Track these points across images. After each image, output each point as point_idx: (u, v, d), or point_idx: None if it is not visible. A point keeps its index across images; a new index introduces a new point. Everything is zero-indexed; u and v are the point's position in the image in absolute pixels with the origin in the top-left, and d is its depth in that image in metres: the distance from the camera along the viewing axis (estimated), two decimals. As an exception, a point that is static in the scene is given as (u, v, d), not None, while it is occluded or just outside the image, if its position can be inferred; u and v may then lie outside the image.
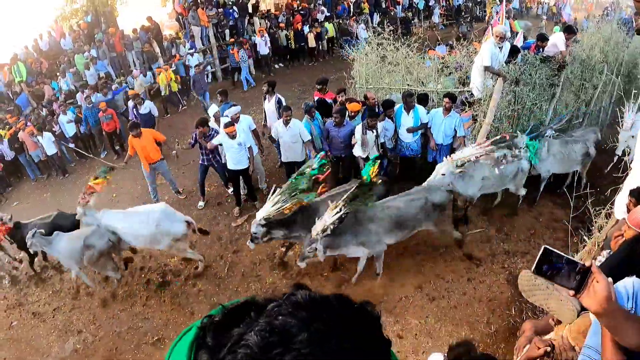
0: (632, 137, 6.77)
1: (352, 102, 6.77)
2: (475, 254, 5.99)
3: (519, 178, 6.23)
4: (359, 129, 6.36)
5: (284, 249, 6.31)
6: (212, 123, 7.23)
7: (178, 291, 5.98)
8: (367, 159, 6.70)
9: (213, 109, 7.48)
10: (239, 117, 6.84)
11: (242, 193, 7.44)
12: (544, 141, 6.35)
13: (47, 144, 9.88)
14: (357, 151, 6.54)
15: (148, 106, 9.49)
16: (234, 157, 6.72)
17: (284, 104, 7.50)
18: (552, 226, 6.67)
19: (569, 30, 7.63)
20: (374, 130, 6.40)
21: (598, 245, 4.75)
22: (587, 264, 1.45)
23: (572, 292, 1.44)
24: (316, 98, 7.46)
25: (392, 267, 5.79)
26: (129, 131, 7.28)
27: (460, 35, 15.31)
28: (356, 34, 15.84)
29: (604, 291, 1.38)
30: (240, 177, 7.12)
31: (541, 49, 7.36)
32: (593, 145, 6.76)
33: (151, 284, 6.15)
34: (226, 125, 6.51)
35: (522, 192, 6.38)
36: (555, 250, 1.45)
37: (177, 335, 3.21)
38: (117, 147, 10.67)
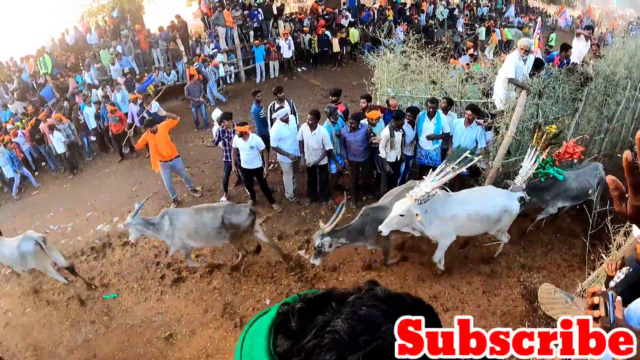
0: None
1: (371, 109, 6.77)
2: (492, 267, 5.95)
3: (504, 222, 5.53)
4: (385, 131, 6.38)
5: (301, 252, 6.35)
6: (214, 129, 7.42)
7: (193, 287, 6.02)
8: (395, 162, 6.78)
9: (216, 113, 7.55)
10: (288, 118, 6.79)
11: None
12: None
13: (57, 143, 9.99)
14: (382, 152, 6.56)
15: (156, 106, 9.53)
16: (246, 157, 6.85)
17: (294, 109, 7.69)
18: (570, 242, 6.61)
19: (588, 27, 7.59)
20: (401, 130, 6.43)
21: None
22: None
23: None
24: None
25: (407, 276, 5.80)
26: (146, 127, 7.35)
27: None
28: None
29: None
30: (255, 178, 7.25)
31: (565, 61, 7.30)
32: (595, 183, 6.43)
33: (166, 279, 6.21)
34: (239, 125, 6.61)
35: (505, 239, 5.80)
36: None
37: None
38: (125, 151, 10.67)
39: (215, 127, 7.51)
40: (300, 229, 6.90)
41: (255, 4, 15.76)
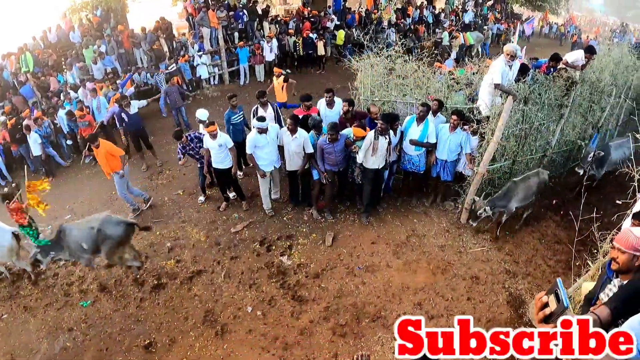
0: None
1: (358, 125, 6.63)
2: (476, 273, 5.91)
3: None
4: (369, 136, 6.25)
5: (282, 259, 6.25)
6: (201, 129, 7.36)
7: (173, 295, 5.88)
8: (384, 168, 6.67)
9: (202, 113, 7.44)
10: (266, 129, 6.59)
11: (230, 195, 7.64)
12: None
13: (33, 144, 9.75)
14: (360, 159, 6.40)
15: (136, 105, 9.21)
16: (216, 157, 6.86)
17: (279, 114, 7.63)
18: (555, 248, 6.62)
19: (590, 51, 7.60)
20: (386, 137, 6.27)
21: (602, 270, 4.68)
22: None
23: None
24: (301, 116, 7.09)
25: (391, 283, 5.73)
26: (89, 142, 7.32)
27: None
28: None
29: None
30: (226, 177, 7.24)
31: (552, 69, 7.31)
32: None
33: (146, 285, 6.06)
34: (207, 125, 6.61)
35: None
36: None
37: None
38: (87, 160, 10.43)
39: (201, 128, 7.38)
40: (283, 234, 6.78)
41: (241, 5, 15.66)
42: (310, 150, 6.52)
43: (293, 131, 6.41)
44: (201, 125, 7.38)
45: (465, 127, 6.29)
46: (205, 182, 7.81)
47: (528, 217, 6.86)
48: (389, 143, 6.32)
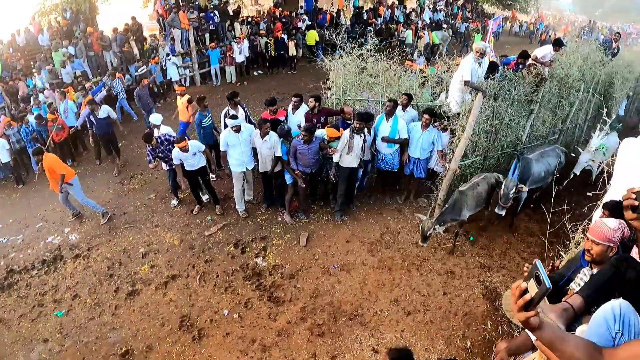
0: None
1: (331, 126, 6.63)
2: (451, 268, 5.96)
3: None
4: (345, 135, 6.27)
5: (257, 260, 6.20)
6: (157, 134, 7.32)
7: (148, 300, 5.79)
8: (358, 167, 6.69)
9: (156, 118, 7.38)
10: (239, 129, 6.56)
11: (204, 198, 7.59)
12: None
13: (1, 151, 9.51)
14: (336, 158, 6.44)
15: (106, 111, 9.15)
16: (190, 163, 6.88)
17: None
18: (528, 240, 6.73)
19: (558, 44, 7.78)
20: (362, 135, 6.30)
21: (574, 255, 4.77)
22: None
23: None
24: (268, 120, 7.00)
25: (367, 281, 5.74)
26: (34, 154, 7.31)
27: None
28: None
29: None
30: (200, 179, 7.25)
31: (520, 66, 7.44)
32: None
33: (120, 292, 5.96)
34: (177, 142, 6.58)
35: None
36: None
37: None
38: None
39: (157, 133, 7.33)
40: (257, 235, 6.75)
41: (212, 6, 15.53)
42: (279, 153, 6.51)
43: (264, 134, 6.39)
44: (156, 130, 7.33)
45: (436, 124, 6.35)
46: (176, 184, 7.74)
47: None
48: (364, 141, 6.35)
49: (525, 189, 6.03)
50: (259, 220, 7.16)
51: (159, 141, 7.05)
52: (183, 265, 6.29)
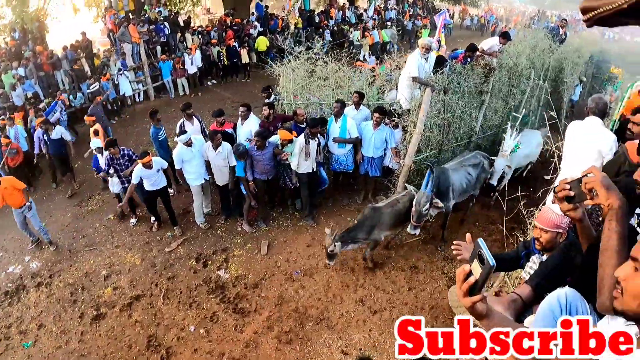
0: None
1: (283, 127, 6.62)
2: (414, 263, 6.02)
3: None
4: (300, 140, 6.26)
5: (219, 273, 6.12)
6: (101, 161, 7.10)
7: (114, 323, 5.64)
8: (312, 172, 6.64)
9: (95, 142, 7.14)
10: (190, 142, 6.48)
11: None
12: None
13: None
14: (293, 164, 6.42)
15: (59, 132, 8.89)
16: (153, 181, 6.68)
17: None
18: (489, 229, 6.87)
19: (505, 36, 7.98)
20: (316, 139, 6.32)
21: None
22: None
23: None
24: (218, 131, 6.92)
25: (331, 284, 5.74)
26: None
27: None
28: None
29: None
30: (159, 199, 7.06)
31: (469, 59, 7.59)
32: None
33: (85, 318, 5.78)
34: (141, 156, 6.38)
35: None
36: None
37: None
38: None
39: (102, 158, 7.13)
40: (218, 247, 6.67)
41: (162, 18, 15.28)
42: (234, 162, 6.47)
43: (217, 146, 6.34)
44: (100, 156, 7.13)
45: (387, 121, 6.40)
46: (133, 201, 7.51)
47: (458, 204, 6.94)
48: (319, 145, 6.38)
49: (440, 204, 5.46)
50: (218, 232, 7.08)
51: (121, 153, 6.88)
52: (146, 285, 6.15)
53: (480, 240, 1.37)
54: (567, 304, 1.95)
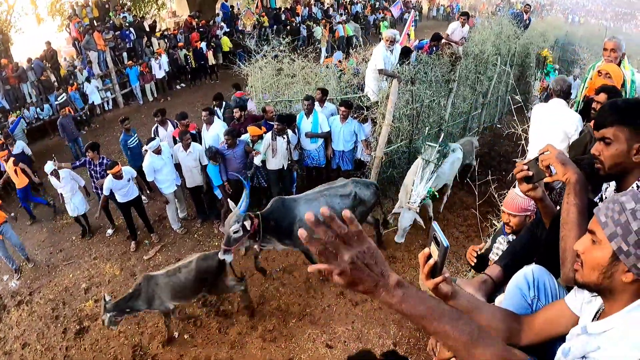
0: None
1: (253, 124, 6.62)
2: (392, 253, 6.11)
3: None
4: (267, 137, 6.27)
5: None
6: (53, 181, 6.92)
7: (97, 336, 5.59)
8: (280, 169, 6.66)
9: (49, 167, 6.83)
10: (160, 149, 6.42)
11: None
12: None
13: None
14: (257, 160, 6.39)
15: (20, 146, 8.86)
16: (123, 192, 6.58)
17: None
18: (464, 214, 7.00)
19: (464, 14, 8.13)
20: (284, 137, 6.30)
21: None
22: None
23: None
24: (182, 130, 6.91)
25: (310, 280, 5.79)
26: None
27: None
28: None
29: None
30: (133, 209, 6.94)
31: (434, 48, 7.70)
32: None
33: (69, 333, 5.72)
34: (110, 167, 6.28)
35: None
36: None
37: None
38: None
39: (55, 182, 6.97)
40: (196, 251, 6.63)
41: (127, 24, 15.08)
42: (206, 161, 6.46)
43: (187, 146, 6.32)
44: (51, 178, 6.91)
45: (355, 115, 6.46)
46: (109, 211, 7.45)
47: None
48: (288, 143, 6.37)
49: (248, 221, 4.64)
50: (195, 236, 7.07)
51: (100, 160, 6.86)
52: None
53: (434, 224, 1.38)
54: (535, 280, 1.95)
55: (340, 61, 8.02)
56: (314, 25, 18.59)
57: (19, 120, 10.99)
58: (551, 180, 1.70)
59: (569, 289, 1.78)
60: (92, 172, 6.92)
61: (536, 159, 1.73)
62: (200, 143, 6.96)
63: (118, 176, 6.32)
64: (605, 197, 2.16)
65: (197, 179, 6.72)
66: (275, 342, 5.01)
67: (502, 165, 8.33)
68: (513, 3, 28.79)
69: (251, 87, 7.34)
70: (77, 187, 7.10)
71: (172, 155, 6.65)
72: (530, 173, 1.75)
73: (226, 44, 16.16)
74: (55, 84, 12.89)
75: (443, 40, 8.08)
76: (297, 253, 6.24)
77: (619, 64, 4.58)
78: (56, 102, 11.72)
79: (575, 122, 4.16)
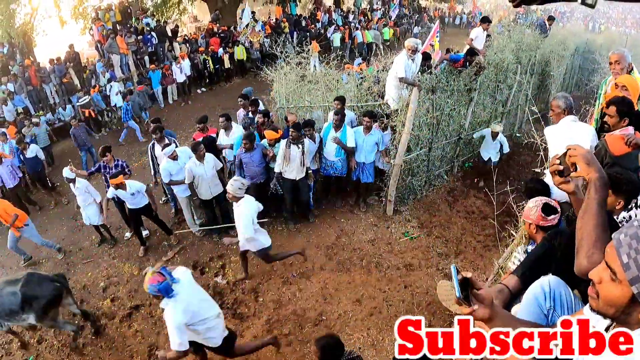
0: None
1: (270, 128, 6.60)
2: (409, 261, 6.09)
3: None
4: (282, 144, 6.22)
5: (217, 279, 6.16)
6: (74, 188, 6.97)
7: (114, 334, 5.65)
8: (306, 178, 6.57)
9: (67, 172, 6.86)
10: (175, 155, 6.45)
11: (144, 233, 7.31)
12: None
13: None
14: (277, 168, 6.37)
15: (34, 150, 9.05)
16: (131, 202, 6.62)
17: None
18: (482, 224, 6.92)
19: (484, 20, 8.07)
20: (299, 146, 6.19)
21: (525, 237, 4.92)
22: (467, 274, 1.48)
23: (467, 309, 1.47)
24: (200, 139, 6.84)
25: (328, 285, 5.79)
26: None
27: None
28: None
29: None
30: (143, 216, 6.97)
31: (468, 63, 7.48)
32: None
33: (85, 330, 5.77)
34: (113, 177, 6.27)
35: None
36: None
37: None
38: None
39: (73, 188, 7.01)
40: (214, 254, 6.70)
41: (149, 28, 15.32)
42: (220, 165, 6.49)
43: (201, 158, 6.25)
44: (71, 184, 6.97)
45: (375, 123, 6.44)
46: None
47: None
48: (303, 153, 6.23)
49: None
50: (214, 239, 7.09)
51: (115, 162, 6.92)
52: (145, 294, 6.09)
53: (453, 267, 1.50)
54: (551, 291, 2.00)
55: (360, 69, 8.01)
56: (333, 31, 18.69)
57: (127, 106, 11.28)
58: (575, 176, 1.77)
59: (584, 301, 1.81)
60: (107, 175, 6.86)
61: (565, 153, 1.80)
62: (215, 150, 6.95)
63: (120, 187, 6.32)
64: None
65: (215, 190, 6.60)
66: (290, 347, 5.01)
67: (521, 175, 8.24)
68: (533, 11, 28.64)
69: (276, 92, 7.37)
70: (91, 199, 7.02)
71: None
72: (561, 167, 1.84)
73: (240, 53, 16.27)
74: (78, 86, 13.14)
75: (466, 43, 8.01)
76: (315, 257, 6.28)
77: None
78: (78, 104, 11.95)
79: (588, 134, 4.11)
